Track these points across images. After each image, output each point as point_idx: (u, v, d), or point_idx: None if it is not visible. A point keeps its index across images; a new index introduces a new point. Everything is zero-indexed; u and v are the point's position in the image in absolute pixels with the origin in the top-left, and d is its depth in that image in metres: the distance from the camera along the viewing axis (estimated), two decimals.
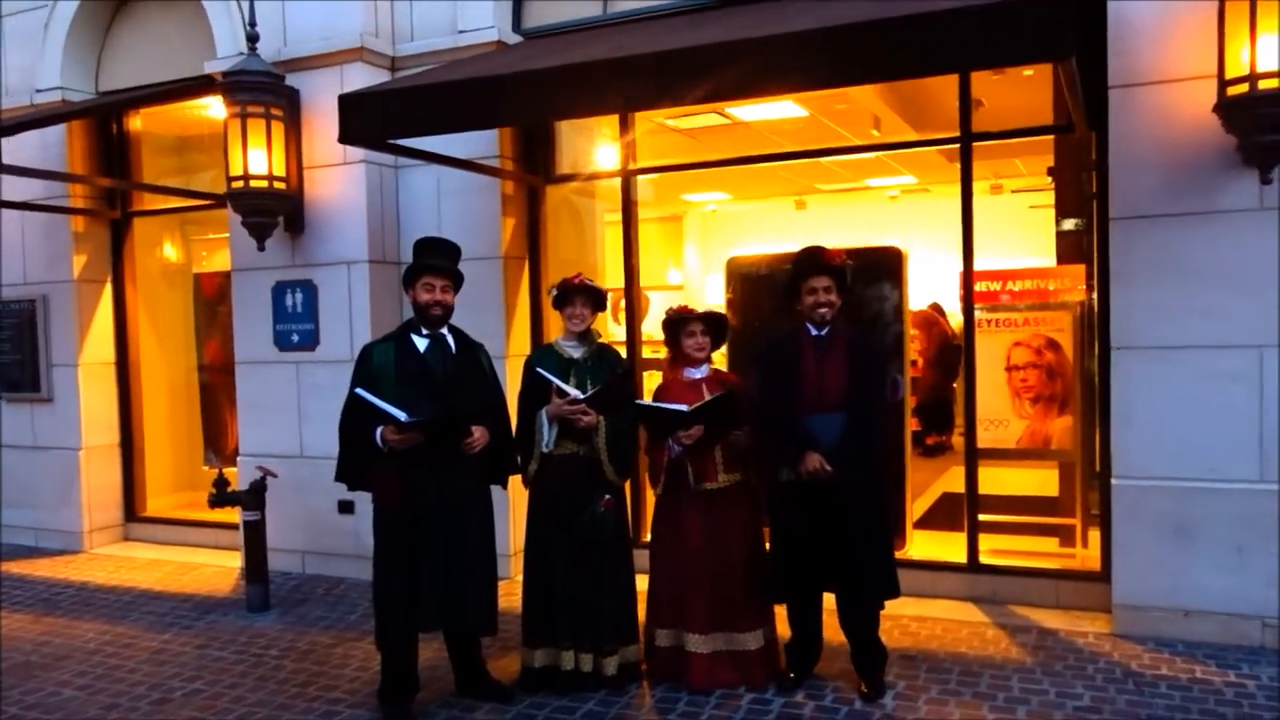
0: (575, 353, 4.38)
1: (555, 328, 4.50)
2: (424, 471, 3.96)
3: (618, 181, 6.30)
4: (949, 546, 5.77)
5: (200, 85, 6.69)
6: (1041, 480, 6.40)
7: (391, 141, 5.30)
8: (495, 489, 4.32)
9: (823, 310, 4.09)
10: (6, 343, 7.56)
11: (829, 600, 4.26)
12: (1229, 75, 4.15)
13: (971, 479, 5.47)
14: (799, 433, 4.03)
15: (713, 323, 4.36)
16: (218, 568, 6.72)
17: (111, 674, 4.75)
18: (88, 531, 7.42)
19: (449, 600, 3.99)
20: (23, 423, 7.61)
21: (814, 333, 4.15)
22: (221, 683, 4.58)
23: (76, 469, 7.38)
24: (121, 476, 7.67)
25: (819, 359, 4.10)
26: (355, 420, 4.03)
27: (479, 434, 4.02)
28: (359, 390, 3.94)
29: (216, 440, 7.86)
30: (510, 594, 4.82)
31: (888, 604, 4.20)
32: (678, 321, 4.36)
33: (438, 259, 4.14)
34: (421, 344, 4.11)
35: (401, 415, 3.83)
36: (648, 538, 4.78)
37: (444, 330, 4.18)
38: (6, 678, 4.75)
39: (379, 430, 3.92)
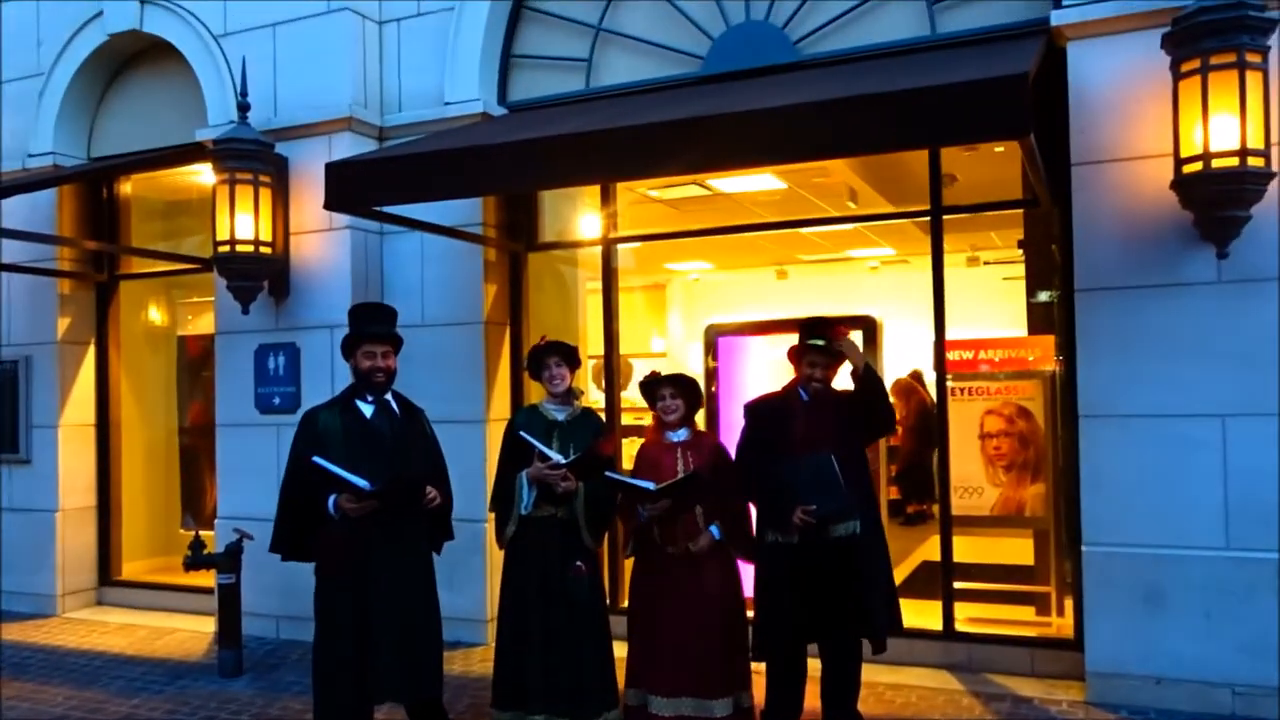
0: (559, 415, 4.43)
1: (535, 393, 4.54)
2: (376, 536, 3.90)
3: (599, 250, 6.43)
4: (926, 615, 5.76)
5: (191, 152, 6.81)
6: (1017, 548, 6.42)
7: (376, 209, 5.41)
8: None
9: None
10: None
11: (812, 667, 4.27)
12: (1184, 154, 4.31)
13: (946, 546, 5.51)
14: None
15: (683, 385, 4.42)
16: (191, 632, 6.65)
17: None
18: (61, 595, 7.33)
19: (405, 668, 3.93)
20: None
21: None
22: None
23: (53, 531, 7.31)
24: (97, 539, 7.59)
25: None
26: (300, 488, 3.94)
27: (433, 492, 4.01)
28: (320, 460, 3.79)
29: (195, 503, 7.83)
30: (487, 659, 4.78)
31: (864, 671, 4.21)
32: (649, 385, 4.44)
33: (375, 325, 4.10)
34: (367, 410, 4.08)
35: (364, 484, 3.75)
36: (625, 603, 4.78)
37: (387, 395, 4.16)
38: None
39: (332, 498, 3.86)
